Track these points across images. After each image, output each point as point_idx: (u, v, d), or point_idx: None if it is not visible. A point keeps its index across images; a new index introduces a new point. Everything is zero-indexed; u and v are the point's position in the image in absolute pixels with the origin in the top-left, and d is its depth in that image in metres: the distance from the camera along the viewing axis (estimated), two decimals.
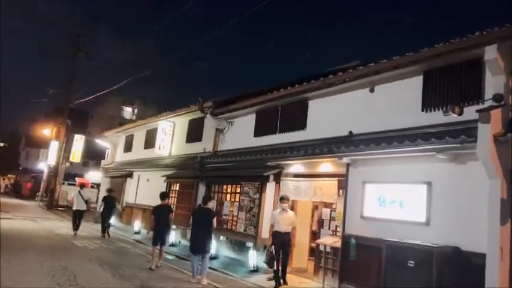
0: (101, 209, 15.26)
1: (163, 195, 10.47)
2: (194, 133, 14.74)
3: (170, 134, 16.25)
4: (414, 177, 7.03)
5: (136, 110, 56.25)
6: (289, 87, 10.06)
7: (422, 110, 7.31)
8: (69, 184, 32.56)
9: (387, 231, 7.10)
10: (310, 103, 9.90)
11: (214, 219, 8.62)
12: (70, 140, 30.86)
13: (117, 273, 8.45)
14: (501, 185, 5.67)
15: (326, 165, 9.01)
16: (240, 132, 12.33)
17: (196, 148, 14.34)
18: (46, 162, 34.81)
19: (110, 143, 22.57)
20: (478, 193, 6.08)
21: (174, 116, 15.66)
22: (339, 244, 8.45)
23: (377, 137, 7.78)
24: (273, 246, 8.83)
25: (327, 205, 9.53)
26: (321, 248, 9.21)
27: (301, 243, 10.42)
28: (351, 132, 8.49)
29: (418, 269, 6.15)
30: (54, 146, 31.63)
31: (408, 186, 7.11)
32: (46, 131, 35.03)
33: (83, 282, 7.33)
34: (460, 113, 5.80)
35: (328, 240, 8.77)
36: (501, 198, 5.62)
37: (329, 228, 9.26)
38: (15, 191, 45.62)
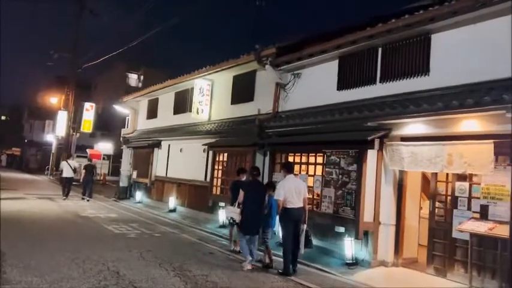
0: (83, 176, 16.67)
1: (239, 171, 8.25)
2: (242, 92, 12.07)
3: (209, 95, 13.57)
4: None
5: (142, 77, 53.32)
6: (405, 16, 7.25)
7: None
8: (78, 156, 30.28)
9: None
10: (435, 37, 7.18)
11: (267, 196, 7.39)
12: (78, 109, 28.53)
13: (186, 277, 6.10)
14: None
15: (471, 122, 6.42)
16: (313, 86, 9.66)
17: (246, 110, 11.72)
18: (54, 134, 32.35)
19: (130, 109, 19.90)
20: None
21: (214, 73, 12.92)
22: (498, 232, 6.01)
23: None
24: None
25: (460, 177, 7.02)
26: (458, 235, 6.78)
27: (410, 225, 8.00)
28: None
29: None
30: (62, 116, 29.06)
31: None
32: (53, 99, 32.28)
33: None
34: None
35: (480, 227, 6.30)
36: None
37: (468, 209, 6.79)
38: (21, 165, 43.58)
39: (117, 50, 23.68)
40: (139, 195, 16.83)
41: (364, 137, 7.52)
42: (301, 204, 7.01)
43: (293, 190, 6.96)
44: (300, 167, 9.24)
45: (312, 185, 8.83)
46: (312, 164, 9.01)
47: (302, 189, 7.09)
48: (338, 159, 8.15)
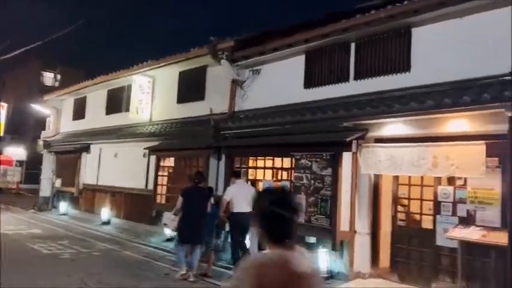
0: None
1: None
2: (191, 89, 10.93)
3: (150, 93, 12.23)
4: None
5: (59, 76, 49.08)
6: (387, 7, 6.72)
7: None
8: None
9: None
10: (416, 31, 6.74)
11: (209, 202, 7.07)
12: None
13: None
14: None
15: (459, 122, 6.05)
16: (275, 83, 8.86)
17: (195, 110, 10.61)
18: None
19: (51, 109, 17.63)
20: None
21: (156, 68, 11.63)
22: (492, 239, 5.65)
23: None
24: None
25: (445, 181, 6.65)
26: (443, 243, 6.38)
27: (386, 233, 7.48)
28: None
29: None
30: None
31: None
32: None
33: None
34: None
35: (471, 234, 5.91)
36: None
37: (453, 215, 6.41)
38: None
39: (33, 43, 21.11)
40: (64, 206, 14.82)
41: (341, 138, 6.89)
42: (248, 210, 6.92)
43: (241, 195, 7.09)
44: (264, 171, 8.41)
45: None
46: (277, 168, 8.22)
47: (250, 195, 6.88)
48: (309, 163, 7.42)
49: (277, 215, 1.73)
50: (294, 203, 1.82)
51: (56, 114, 17.47)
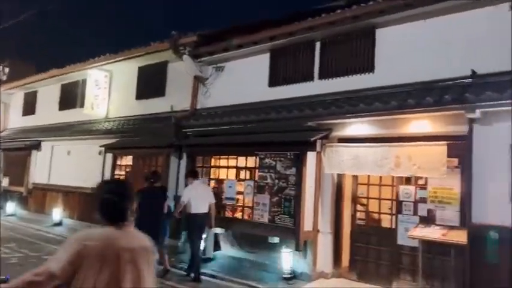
0: None
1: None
2: (151, 85, 10.54)
3: (106, 88, 11.71)
4: None
5: (7, 69, 46.19)
6: (353, 7, 6.71)
7: None
8: None
9: None
10: (380, 32, 6.79)
11: (166, 203, 7.15)
12: None
13: None
14: None
15: (421, 122, 6.14)
16: (240, 81, 8.68)
17: (155, 106, 10.27)
18: None
19: None
20: None
21: (114, 62, 11.15)
22: (452, 238, 5.78)
23: None
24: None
25: (404, 181, 6.75)
26: (404, 242, 6.47)
27: (348, 232, 7.51)
28: (473, 71, 5.68)
29: None
30: None
31: None
32: None
33: None
34: None
35: (432, 233, 6.01)
36: None
37: (414, 214, 6.51)
38: None
39: None
40: (11, 206, 13.91)
41: (306, 138, 6.83)
42: (205, 210, 7.07)
43: (198, 196, 7.05)
44: (227, 171, 8.23)
45: (242, 191, 7.88)
46: (241, 167, 8.07)
47: (207, 196, 7.23)
48: (274, 162, 7.32)
49: (110, 201, 2.11)
50: (125, 192, 2.19)
51: (3, 108, 16.42)
